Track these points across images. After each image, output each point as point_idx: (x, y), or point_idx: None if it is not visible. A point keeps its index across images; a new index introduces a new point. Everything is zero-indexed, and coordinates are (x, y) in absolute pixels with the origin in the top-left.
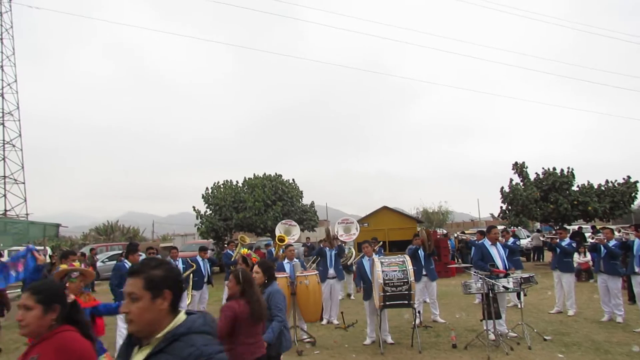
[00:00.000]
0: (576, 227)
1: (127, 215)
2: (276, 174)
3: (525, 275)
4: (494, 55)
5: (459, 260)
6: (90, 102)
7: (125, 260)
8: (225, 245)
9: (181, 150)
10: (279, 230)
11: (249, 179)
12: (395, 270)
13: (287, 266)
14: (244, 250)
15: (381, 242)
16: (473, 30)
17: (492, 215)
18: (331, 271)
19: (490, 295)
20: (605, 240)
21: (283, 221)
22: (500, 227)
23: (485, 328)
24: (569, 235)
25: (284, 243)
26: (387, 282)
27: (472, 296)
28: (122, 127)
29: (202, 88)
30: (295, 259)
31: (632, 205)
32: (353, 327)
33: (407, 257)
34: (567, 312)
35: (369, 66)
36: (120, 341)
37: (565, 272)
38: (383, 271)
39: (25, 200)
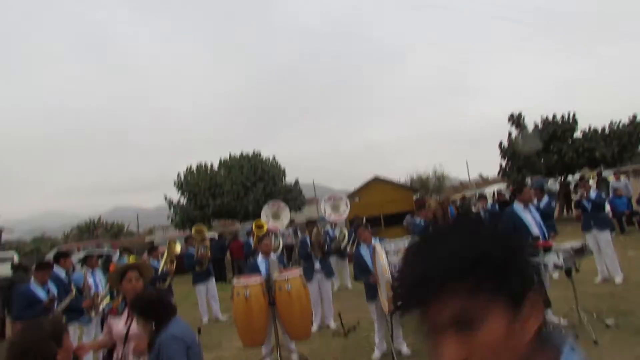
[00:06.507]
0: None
1: (114, 211)
2: (254, 152)
3: (577, 244)
4: (471, 6)
5: None
6: (63, 94)
7: (57, 268)
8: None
9: (161, 133)
10: (264, 215)
11: (224, 160)
12: None
13: (262, 265)
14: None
15: (364, 218)
16: None
17: (481, 176)
18: (317, 265)
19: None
20: None
21: (270, 203)
22: (495, 187)
23: None
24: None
25: (264, 230)
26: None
27: None
28: (98, 118)
29: (175, 64)
30: (272, 254)
31: (639, 146)
32: (355, 331)
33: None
34: (614, 278)
35: (347, 30)
36: None
37: (602, 230)
38: (390, 263)
39: None
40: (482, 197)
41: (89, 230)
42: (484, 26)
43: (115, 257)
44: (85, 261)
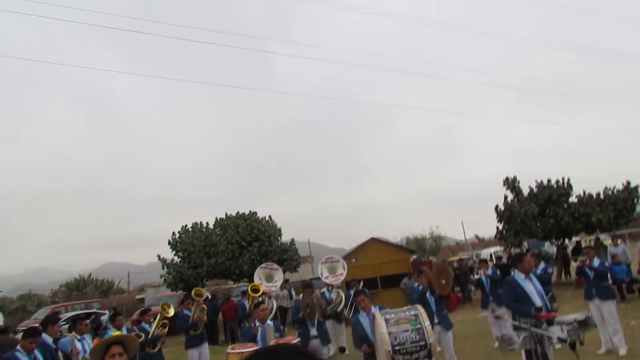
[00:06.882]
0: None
1: (105, 267)
2: (250, 211)
3: (581, 316)
4: (461, 75)
5: (459, 289)
6: (55, 149)
7: (45, 335)
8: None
9: (157, 193)
10: (258, 277)
11: (220, 219)
12: (407, 331)
13: (258, 330)
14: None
15: (361, 282)
16: (441, 52)
17: (477, 236)
18: (313, 331)
19: (539, 350)
20: None
21: (263, 265)
22: (492, 250)
23: None
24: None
25: (259, 294)
26: (397, 348)
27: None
28: (94, 175)
29: (173, 127)
30: (268, 321)
31: (634, 212)
32: None
33: (421, 309)
34: (618, 350)
35: (339, 95)
36: None
37: (605, 300)
38: (390, 333)
39: None
40: (483, 262)
41: (78, 288)
42: (475, 92)
43: (105, 317)
44: (74, 325)
